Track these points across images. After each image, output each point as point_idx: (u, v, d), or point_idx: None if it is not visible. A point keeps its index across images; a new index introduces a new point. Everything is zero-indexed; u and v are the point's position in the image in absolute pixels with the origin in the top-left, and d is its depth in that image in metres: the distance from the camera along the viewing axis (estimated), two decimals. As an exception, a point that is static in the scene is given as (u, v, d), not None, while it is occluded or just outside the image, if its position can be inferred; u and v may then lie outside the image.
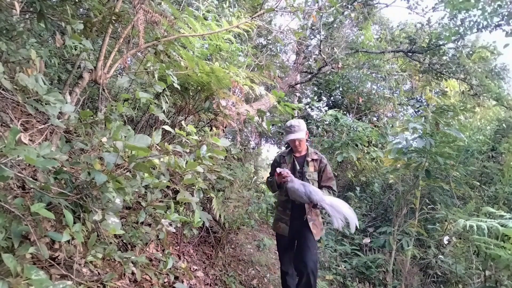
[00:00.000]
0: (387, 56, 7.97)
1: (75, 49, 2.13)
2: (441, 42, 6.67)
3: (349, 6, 6.83)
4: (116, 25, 2.50)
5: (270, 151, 13.05)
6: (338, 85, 8.70)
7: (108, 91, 3.09)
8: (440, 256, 4.01)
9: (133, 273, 2.05)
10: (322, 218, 2.96)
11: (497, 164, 5.18)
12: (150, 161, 1.54)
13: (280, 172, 2.48)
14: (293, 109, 4.46)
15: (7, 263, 1.06)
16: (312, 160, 2.68)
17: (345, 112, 7.62)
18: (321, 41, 6.70)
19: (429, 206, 4.27)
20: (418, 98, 9.78)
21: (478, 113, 7.43)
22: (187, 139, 2.01)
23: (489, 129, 6.29)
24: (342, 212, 2.40)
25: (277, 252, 2.87)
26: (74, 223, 1.26)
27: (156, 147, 1.68)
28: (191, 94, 3.49)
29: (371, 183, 6.44)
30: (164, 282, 2.29)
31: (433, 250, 4.17)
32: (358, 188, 5.92)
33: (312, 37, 7.51)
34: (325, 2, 5.72)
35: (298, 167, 2.66)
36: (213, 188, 3.24)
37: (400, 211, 4.08)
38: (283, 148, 8.06)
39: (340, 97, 8.96)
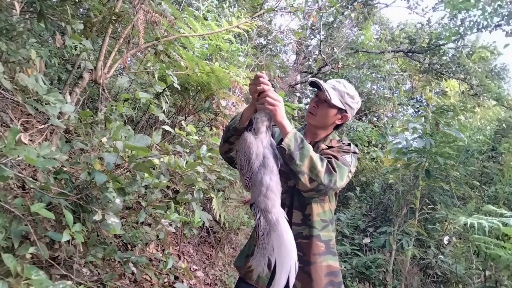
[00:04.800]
0: (387, 56, 7.97)
1: (75, 49, 2.13)
2: (441, 42, 6.67)
3: (349, 6, 6.84)
4: (116, 25, 2.50)
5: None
6: (338, 85, 8.68)
7: (108, 91, 3.09)
8: (440, 256, 4.01)
9: (133, 273, 2.05)
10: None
11: (497, 164, 5.17)
12: (150, 161, 1.55)
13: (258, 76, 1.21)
14: (293, 109, 4.46)
15: (7, 263, 1.06)
16: (329, 149, 1.37)
17: (345, 112, 7.60)
18: (321, 41, 6.71)
19: (429, 206, 4.26)
20: (418, 98, 9.79)
21: (478, 113, 7.42)
22: (187, 139, 2.01)
23: (489, 129, 6.28)
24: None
25: None
26: (74, 223, 1.26)
27: (156, 147, 1.68)
28: (191, 94, 3.49)
29: (371, 183, 6.43)
30: (164, 282, 2.29)
31: (433, 250, 4.17)
32: (358, 188, 5.92)
33: (312, 37, 7.50)
34: (325, 2, 5.73)
35: None
36: (213, 188, 3.24)
37: (400, 211, 4.08)
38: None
39: (340, 97, 8.94)
